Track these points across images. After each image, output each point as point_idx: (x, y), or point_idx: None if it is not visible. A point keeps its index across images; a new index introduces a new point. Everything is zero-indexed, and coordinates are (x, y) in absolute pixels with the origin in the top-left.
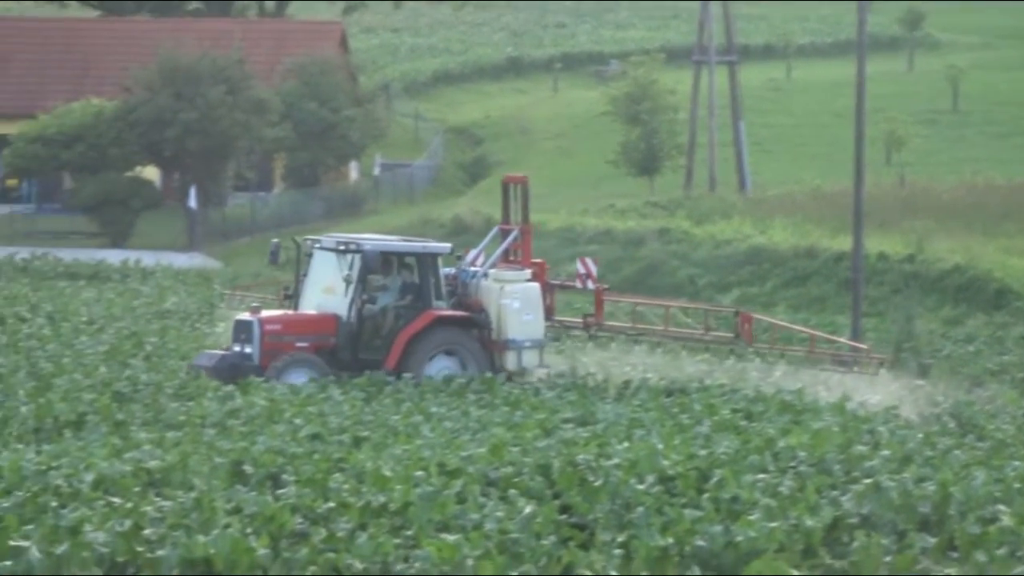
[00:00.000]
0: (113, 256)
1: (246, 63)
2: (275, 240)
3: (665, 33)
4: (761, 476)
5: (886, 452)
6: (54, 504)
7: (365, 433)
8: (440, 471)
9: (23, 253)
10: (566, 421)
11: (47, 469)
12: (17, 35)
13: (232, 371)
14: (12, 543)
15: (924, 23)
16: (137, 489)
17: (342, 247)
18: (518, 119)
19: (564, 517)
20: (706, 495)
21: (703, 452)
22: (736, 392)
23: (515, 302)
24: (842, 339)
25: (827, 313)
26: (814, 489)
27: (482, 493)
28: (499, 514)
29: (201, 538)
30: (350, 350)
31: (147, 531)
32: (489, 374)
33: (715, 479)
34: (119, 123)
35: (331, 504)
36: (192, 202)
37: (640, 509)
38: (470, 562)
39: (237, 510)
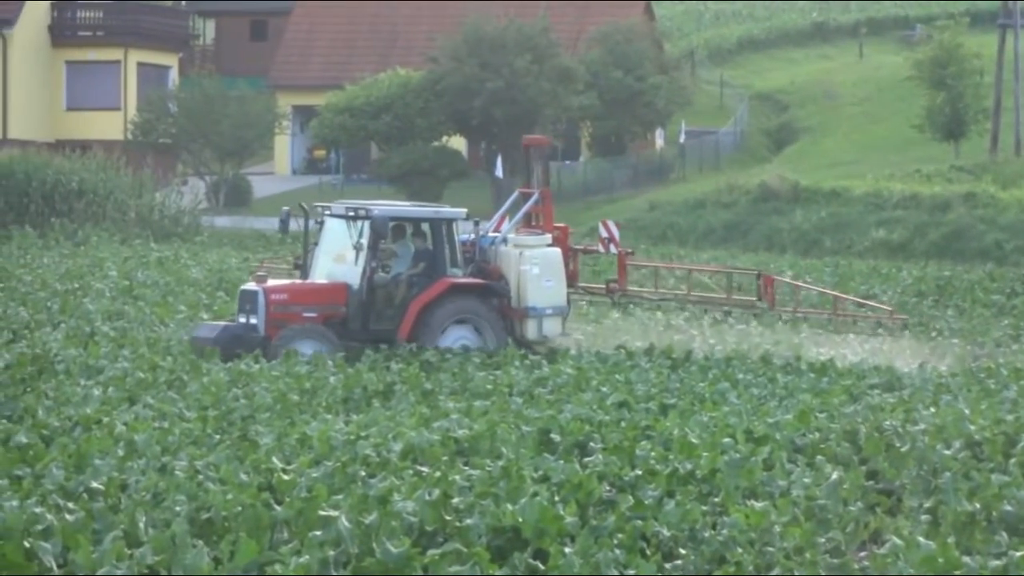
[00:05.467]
0: None
1: (551, 32)
2: (285, 208)
3: None
4: None
5: None
6: (363, 473)
7: (672, 400)
8: (747, 438)
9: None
10: (872, 387)
11: (356, 439)
12: (325, 8)
13: (234, 343)
14: (322, 512)
15: None
16: (445, 458)
17: (352, 213)
18: (823, 84)
19: (871, 483)
20: (1013, 460)
21: (1010, 417)
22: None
23: (534, 268)
24: (867, 301)
25: None
26: None
27: (789, 460)
28: (806, 480)
29: (509, 507)
30: (361, 320)
31: (455, 500)
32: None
33: (1022, 444)
34: (425, 93)
35: (638, 472)
36: (499, 171)
37: (947, 475)
38: (777, 528)
39: (545, 478)
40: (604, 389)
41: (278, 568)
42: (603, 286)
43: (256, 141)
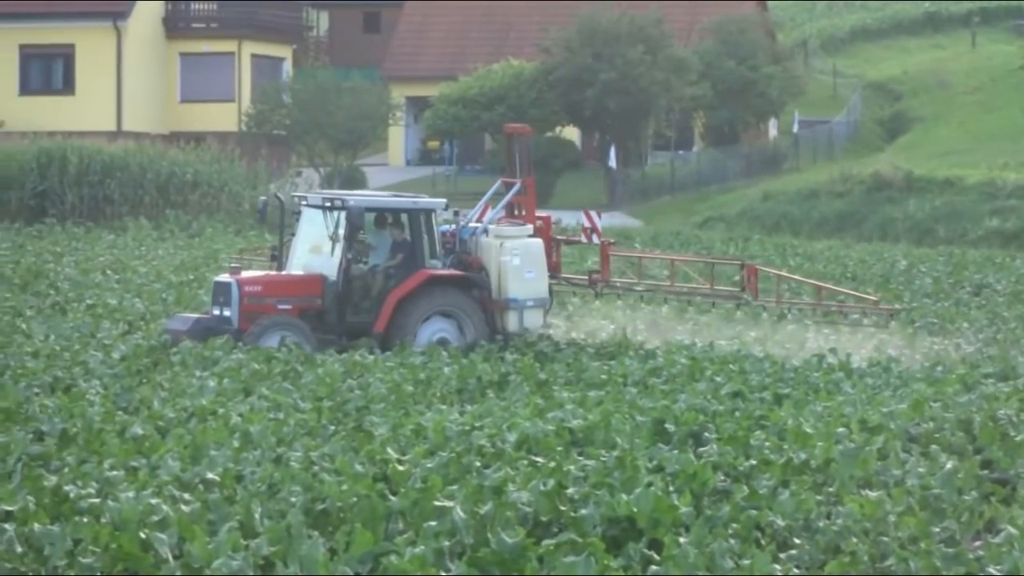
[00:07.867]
0: None
1: (664, 23)
2: (262, 197)
3: None
4: None
5: None
6: (478, 464)
7: (786, 390)
8: (861, 427)
9: (445, 214)
10: (987, 376)
11: (470, 429)
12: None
13: (207, 335)
14: (437, 503)
15: None
16: (560, 448)
17: (328, 204)
18: (936, 74)
19: (985, 472)
20: None
21: None
22: None
23: (515, 259)
24: (852, 291)
25: None
26: None
27: (903, 449)
28: (920, 470)
29: (624, 497)
30: (337, 313)
31: (570, 490)
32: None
33: None
34: (539, 84)
35: (753, 461)
36: (612, 161)
37: None
38: (892, 518)
39: (659, 468)
40: (719, 379)
41: (393, 559)
42: (585, 277)
43: (370, 132)
